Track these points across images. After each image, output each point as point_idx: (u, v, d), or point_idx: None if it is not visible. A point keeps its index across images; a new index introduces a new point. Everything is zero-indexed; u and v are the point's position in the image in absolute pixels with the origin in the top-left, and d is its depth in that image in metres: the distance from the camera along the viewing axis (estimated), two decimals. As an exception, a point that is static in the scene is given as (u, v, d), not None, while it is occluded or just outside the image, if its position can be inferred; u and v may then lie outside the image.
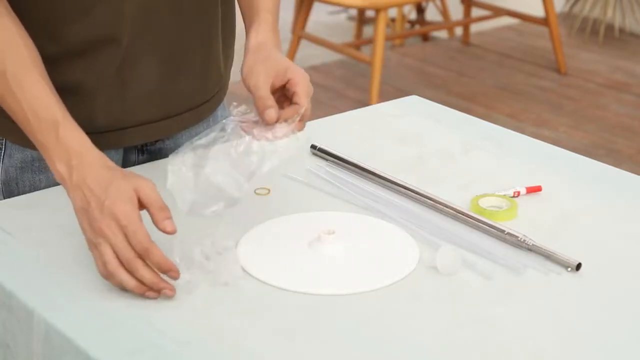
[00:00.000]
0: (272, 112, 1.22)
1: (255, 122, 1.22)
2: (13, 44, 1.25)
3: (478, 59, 4.78)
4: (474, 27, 5.10)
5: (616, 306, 1.15)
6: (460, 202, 1.35)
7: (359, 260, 1.23)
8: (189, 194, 1.15)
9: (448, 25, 4.97)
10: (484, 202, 1.35)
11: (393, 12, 4.99)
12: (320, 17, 5.17)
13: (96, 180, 1.16)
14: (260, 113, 1.23)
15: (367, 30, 4.99)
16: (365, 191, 1.39)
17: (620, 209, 1.38)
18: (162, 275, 1.13)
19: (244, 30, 1.39)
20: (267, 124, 1.22)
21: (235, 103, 1.23)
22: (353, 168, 1.46)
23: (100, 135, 1.36)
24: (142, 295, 1.13)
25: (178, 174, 1.16)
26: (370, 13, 5.06)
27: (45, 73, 1.25)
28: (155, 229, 1.14)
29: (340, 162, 1.48)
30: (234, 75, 1.51)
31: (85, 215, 1.15)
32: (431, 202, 1.35)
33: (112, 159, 1.39)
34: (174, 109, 1.47)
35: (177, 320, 1.10)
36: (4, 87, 1.23)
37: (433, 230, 1.29)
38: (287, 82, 1.27)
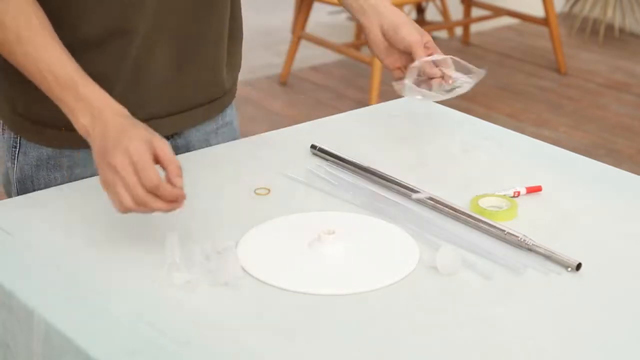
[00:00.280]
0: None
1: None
2: (24, 11, 1.28)
3: (478, 59, 4.78)
4: (474, 27, 5.10)
5: (616, 306, 1.15)
6: (460, 202, 1.35)
7: (359, 260, 1.23)
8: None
9: (448, 25, 4.97)
10: (484, 202, 1.35)
11: (393, 12, 4.98)
12: (320, 17, 5.17)
13: (117, 125, 1.21)
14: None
15: (367, 31, 4.99)
16: (365, 191, 1.39)
17: (620, 209, 1.38)
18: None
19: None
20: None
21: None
22: (353, 168, 1.46)
23: None
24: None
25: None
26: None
27: (56, 35, 1.29)
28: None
29: (340, 162, 1.48)
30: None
31: (103, 156, 1.19)
32: (431, 202, 1.35)
33: None
34: (186, 103, 1.49)
35: (177, 320, 1.10)
36: (21, 51, 1.27)
37: (433, 230, 1.29)
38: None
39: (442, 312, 1.13)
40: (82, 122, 1.23)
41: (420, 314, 1.13)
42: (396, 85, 1.48)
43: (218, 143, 1.57)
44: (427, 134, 1.60)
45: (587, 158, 1.55)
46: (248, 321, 1.10)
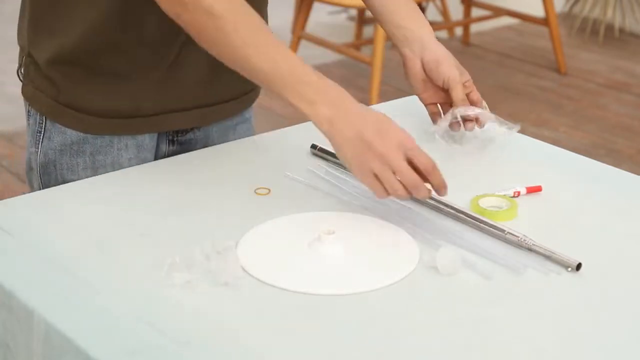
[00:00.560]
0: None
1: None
2: (244, 11, 1.31)
3: (478, 59, 4.78)
4: (474, 27, 5.10)
5: (616, 306, 1.15)
6: (460, 202, 1.35)
7: (359, 260, 1.23)
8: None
9: (448, 25, 4.97)
10: (484, 202, 1.35)
11: (393, 12, 4.98)
12: (320, 17, 5.17)
13: (362, 114, 1.29)
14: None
15: (367, 31, 4.99)
16: (365, 191, 1.39)
17: (620, 209, 1.38)
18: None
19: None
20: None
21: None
22: (353, 168, 1.46)
23: (143, 119, 1.44)
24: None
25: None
26: (370, 13, 5.05)
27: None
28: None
29: (340, 162, 1.47)
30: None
31: (361, 144, 1.25)
32: (431, 202, 1.35)
33: (146, 145, 1.46)
34: (219, 96, 1.52)
35: (177, 320, 1.10)
36: (253, 47, 1.29)
37: (433, 230, 1.29)
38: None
39: (442, 312, 1.13)
40: (321, 110, 1.27)
41: (420, 314, 1.13)
42: (433, 127, 1.55)
43: (235, 139, 1.59)
44: (427, 133, 1.60)
45: (587, 158, 1.55)
46: (248, 321, 1.10)
